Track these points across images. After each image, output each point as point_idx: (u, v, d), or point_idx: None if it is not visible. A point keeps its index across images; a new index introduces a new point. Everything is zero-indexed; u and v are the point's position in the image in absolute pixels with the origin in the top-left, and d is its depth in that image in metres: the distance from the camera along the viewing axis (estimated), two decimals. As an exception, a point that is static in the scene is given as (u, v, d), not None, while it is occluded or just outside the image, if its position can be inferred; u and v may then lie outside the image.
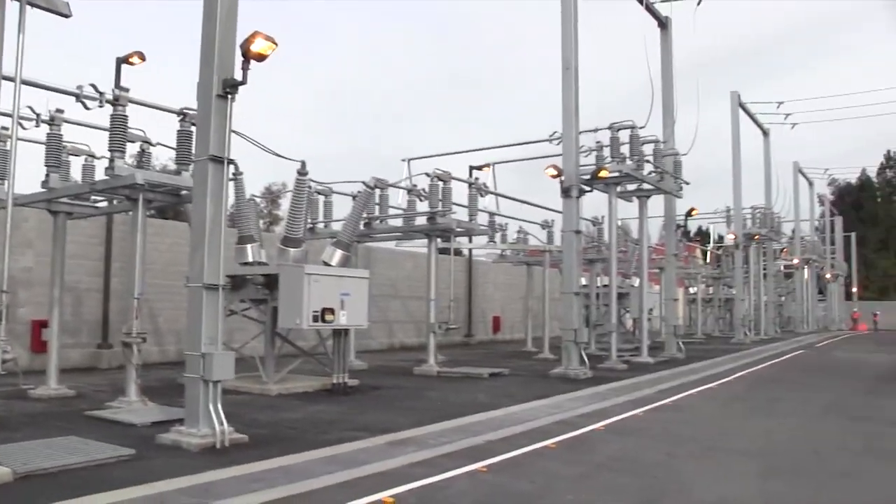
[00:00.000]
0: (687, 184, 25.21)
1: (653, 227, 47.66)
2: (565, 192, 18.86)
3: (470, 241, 26.29)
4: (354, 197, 18.21)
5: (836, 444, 10.23)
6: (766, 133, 48.69)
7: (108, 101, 12.04)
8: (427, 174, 19.53)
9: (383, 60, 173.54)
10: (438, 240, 20.13)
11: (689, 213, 28.36)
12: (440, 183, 19.18)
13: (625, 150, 21.26)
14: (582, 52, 19.27)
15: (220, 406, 9.01)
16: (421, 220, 19.76)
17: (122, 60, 16.64)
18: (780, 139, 49.30)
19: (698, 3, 27.00)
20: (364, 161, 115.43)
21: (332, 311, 13.63)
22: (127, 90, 12.20)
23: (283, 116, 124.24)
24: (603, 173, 19.99)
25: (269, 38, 9.28)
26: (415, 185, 20.66)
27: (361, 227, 18.95)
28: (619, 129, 21.20)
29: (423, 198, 19.98)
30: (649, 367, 21.10)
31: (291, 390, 14.39)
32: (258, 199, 22.77)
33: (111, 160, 11.95)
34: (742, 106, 42.35)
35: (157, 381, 15.07)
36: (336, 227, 20.22)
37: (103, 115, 12.30)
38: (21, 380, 12.47)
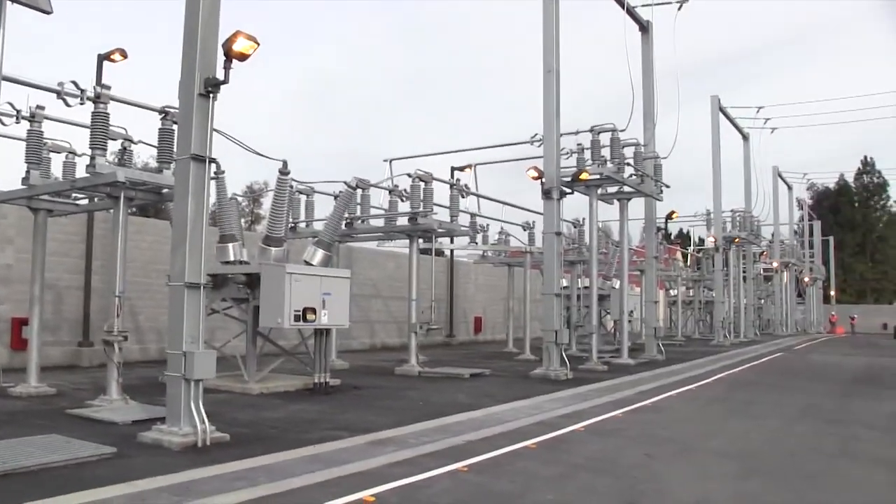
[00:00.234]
0: (667, 187, 25.40)
1: (633, 230, 48.04)
2: (546, 194, 18.95)
3: (451, 241, 26.39)
4: (336, 197, 18.22)
5: (811, 446, 10.34)
6: (745, 137, 49.10)
7: (89, 99, 11.95)
8: (409, 175, 19.58)
9: (366, 60, 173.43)
10: (420, 240, 20.18)
11: (669, 216, 28.56)
12: (422, 183, 19.23)
13: (606, 152, 21.39)
14: (564, 55, 19.38)
15: (201, 405, 9.00)
16: (403, 221, 19.80)
17: (104, 57, 16.60)
18: (760, 144, 49.70)
19: (679, 8, 27.20)
20: (346, 161, 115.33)
21: (313, 310, 13.64)
22: (108, 87, 12.15)
23: (264, 115, 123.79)
24: (584, 176, 20.11)
25: (250, 38, 9.29)
26: (396, 186, 20.70)
27: (343, 226, 18.97)
28: (599, 132, 21.35)
29: (404, 198, 20.03)
30: (630, 368, 21.22)
31: (273, 389, 14.38)
32: (240, 198, 22.70)
33: (92, 157, 11.91)
34: (722, 110, 42.66)
35: (138, 380, 15.01)
36: (318, 226, 20.23)
37: (84, 113, 12.25)
38: (1, 378, 12.42)
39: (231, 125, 10.85)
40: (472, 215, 25.46)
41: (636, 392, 15.81)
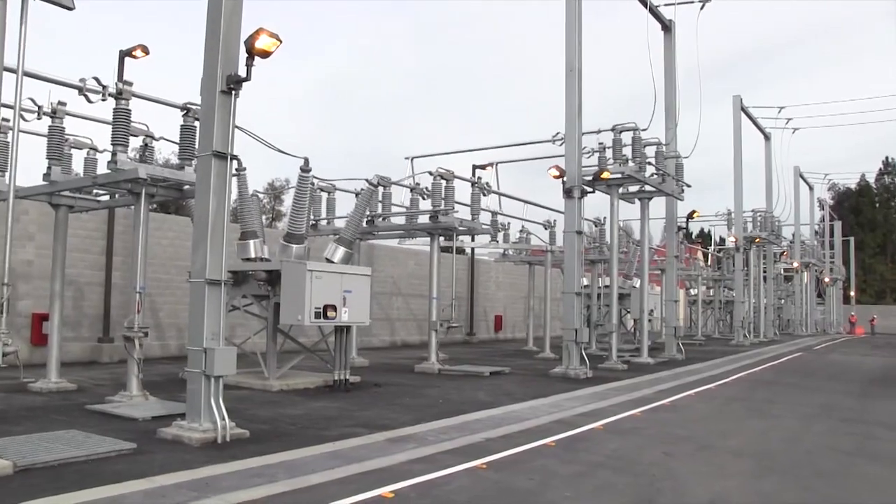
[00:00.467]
0: (688, 186, 25.25)
1: (654, 229, 47.84)
2: (567, 193, 18.89)
3: (472, 239, 26.35)
4: (357, 194, 18.23)
5: (828, 445, 10.26)
6: (767, 137, 48.75)
7: (111, 95, 12.01)
8: (430, 173, 19.56)
9: (386, 58, 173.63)
10: (441, 238, 20.17)
11: (690, 216, 28.40)
12: (443, 181, 19.20)
13: (627, 151, 21.28)
14: (586, 54, 19.30)
15: (221, 401, 9.04)
16: (424, 219, 19.78)
17: (126, 54, 16.65)
18: (781, 143, 49.33)
19: (702, 7, 26.99)
20: (367, 159, 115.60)
21: (333, 307, 13.65)
22: (130, 84, 12.20)
23: (286, 113, 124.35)
24: (605, 175, 20.02)
25: (273, 35, 9.31)
26: (418, 184, 20.70)
27: (364, 224, 18.96)
28: (621, 131, 21.25)
29: (426, 196, 20.02)
30: (649, 367, 21.13)
31: (293, 386, 14.42)
32: (261, 195, 22.76)
33: (114, 154, 11.97)
34: (744, 110, 42.36)
35: (158, 376, 15.11)
36: (339, 224, 20.27)
37: (106, 109, 12.32)
38: (21, 373, 12.52)
39: (252, 122, 10.91)
40: (494, 213, 25.41)
41: (655, 391, 15.73)
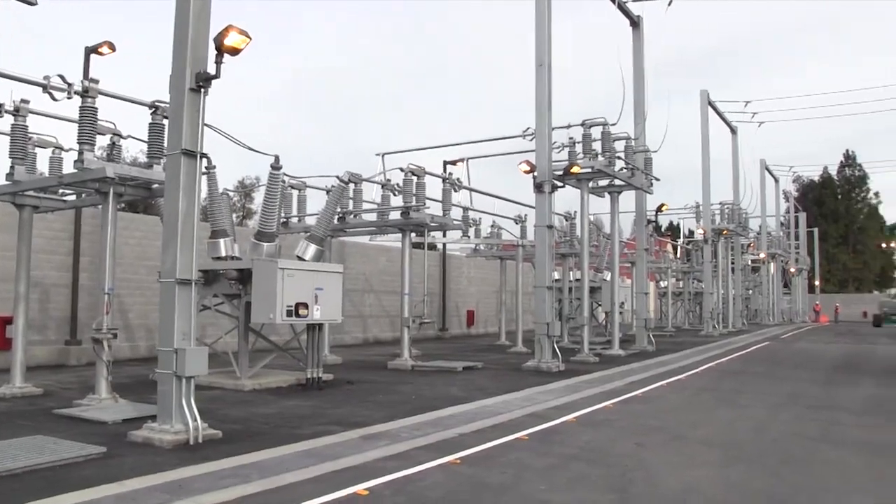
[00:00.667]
0: (657, 180, 25.47)
1: (624, 222, 47.88)
2: (538, 188, 18.98)
3: (444, 235, 26.43)
4: (328, 191, 18.16)
5: (794, 432, 10.44)
6: (734, 131, 49.29)
7: (76, 93, 11.82)
8: (401, 169, 19.53)
9: (358, 55, 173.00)
10: (412, 234, 20.17)
11: (659, 209, 28.69)
12: (414, 178, 19.18)
13: (597, 146, 21.39)
14: (556, 49, 19.40)
15: (193, 402, 8.97)
16: (395, 215, 19.74)
17: (92, 50, 16.48)
18: (748, 137, 49.97)
19: (669, 3, 27.19)
20: (338, 156, 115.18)
21: (305, 305, 13.61)
22: (97, 81, 12.03)
23: (256, 111, 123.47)
24: (575, 169, 20.13)
25: (242, 32, 9.22)
26: (389, 180, 20.64)
27: (335, 221, 18.89)
28: (591, 126, 21.34)
29: (397, 192, 19.97)
30: (620, 359, 21.30)
31: (265, 385, 14.35)
32: (231, 193, 22.61)
33: (80, 153, 11.77)
34: (711, 104, 42.76)
35: (127, 378, 14.95)
36: (310, 221, 20.19)
37: (72, 107, 12.13)
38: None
39: (223, 120, 10.80)
40: (465, 209, 25.45)
41: (627, 383, 15.87)
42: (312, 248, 15.30)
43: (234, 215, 44.36)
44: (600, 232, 32.96)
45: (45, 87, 11.72)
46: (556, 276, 25.19)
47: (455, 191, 21.75)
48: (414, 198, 19.11)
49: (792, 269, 67.18)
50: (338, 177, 17.51)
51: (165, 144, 10.23)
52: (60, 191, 13.81)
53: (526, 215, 27.61)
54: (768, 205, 62.23)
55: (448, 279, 34.77)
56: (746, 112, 48.31)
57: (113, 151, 12.88)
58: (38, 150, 13.48)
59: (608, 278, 25.56)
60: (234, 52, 9.29)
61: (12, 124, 12.76)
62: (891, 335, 42.55)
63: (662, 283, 47.01)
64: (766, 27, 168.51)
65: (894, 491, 7.26)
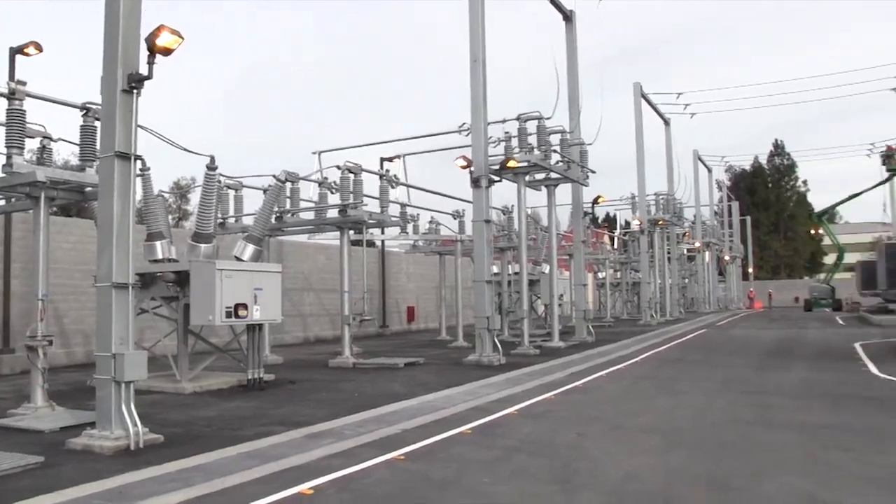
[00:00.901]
0: (593, 172, 25.80)
1: (561, 215, 48.79)
2: (475, 183, 19.14)
3: (382, 232, 26.41)
4: (265, 191, 18.03)
5: (730, 417, 10.78)
6: (667, 123, 50.29)
7: (2, 95, 11.56)
8: (338, 167, 19.50)
9: (294, 56, 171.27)
10: (351, 232, 20.14)
11: (595, 201, 29.12)
12: (351, 175, 19.16)
13: (533, 140, 21.59)
14: (492, 44, 19.62)
15: (133, 407, 8.86)
16: (333, 213, 19.69)
17: (17, 51, 16.03)
18: (681, 129, 51.19)
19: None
20: (276, 156, 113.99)
21: (245, 306, 13.53)
22: (24, 83, 11.76)
23: (190, 110, 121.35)
24: (511, 163, 20.31)
25: (174, 32, 9.14)
26: (326, 178, 20.57)
27: (273, 220, 18.77)
28: (526, 120, 21.53)
29: (334, 190, 19.93)
30: (561, 351, 21.58)
31: (206, 388, 14.22)
32: (166, 195, 22.25)
33: (9, 157, 11.47)
34: (644, 97, 43.53)
35: (64, 385, 14.65)
36: (247, 221, 20.00)
37: (-3, 110, 11.82)
38: None
39: (158, 121, 10.65)
40: (403, 205, 25.50)
41: (567, 374, 16.14)
42: (250, 249, 15.20)
43: (171, 217, 43.57)
44: (538, 225, 33.34)
45: (-32, 91, 11.41)
46: (496, 269, 25.42)
47: (392, 187, 21.80)
48: (351, 195, 19.09)
49: (726, 258, 69.00)
50: (274, 176, 17.42)
51: (98, 147, 10.07)
52: (-12, 196, 13.44)
53: (464, 210, 27.81)
54: (702, 194, 63.84)
55: (388, 276, 34.78)
56: (679, 104, 49.49)
57: (43, 155, 12.56)
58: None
59: (547, 271, 25.89)
60: (167, 52, 9.20)
61: (-66, 129, 12.37)
62: (820, 319, 44.11)
63: (600, 275, 47.75)
64: (699, 19, 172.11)
65: (826, 470, 7.57)
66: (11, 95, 11.54)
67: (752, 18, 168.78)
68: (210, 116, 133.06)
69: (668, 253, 46.98)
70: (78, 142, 12.24)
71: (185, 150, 12.33)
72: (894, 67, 42.09)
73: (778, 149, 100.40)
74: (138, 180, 11.63)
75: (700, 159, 64.11)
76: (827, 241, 72.07)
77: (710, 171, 69.24)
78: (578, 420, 10.66)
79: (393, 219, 22.12)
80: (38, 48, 15.94)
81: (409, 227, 27.25)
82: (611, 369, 17.20)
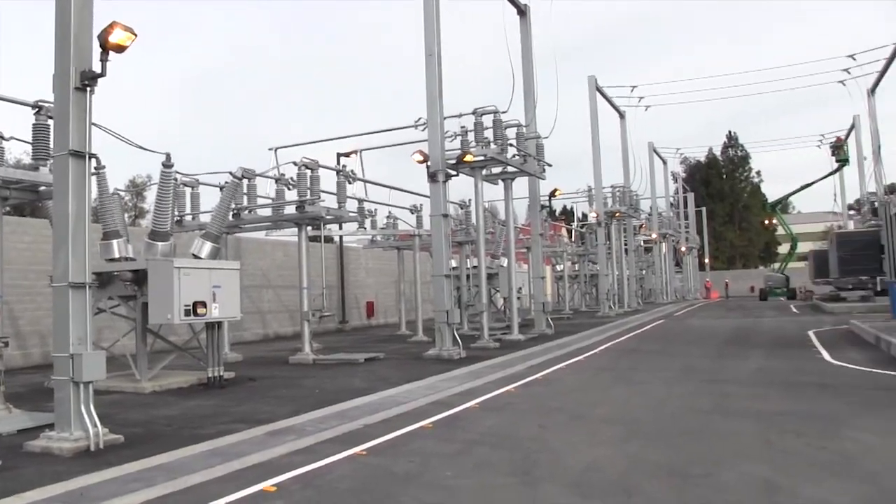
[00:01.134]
0: (550, 165, 26.04)
1: (519, 208, 48.88)
2: (432, 177, 19.22)
3: (340, 228, 26.35)
4: (222, 188, 17.92)
5: (689, 406, 10.97)
6: (622, 115, 50.80)
7: (-49, 94, 11.38)
8: (295, 163, 19.43)
9: (250, 52, 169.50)
10: (308, 228, 20.10)
11: (552, 194, 29.34)
12: (308, 171, 19.11)
13: (489, 134, 21.68)
14: (447, 39, 19.67)
15: (92, 407, 8.80)
16: (290, 209, 19.65)
17: (-36, 49, 15.68)
18: (636, 121, 51.73)
19: (554, -9, 27.82)
20: (233, 153, 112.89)
21: (203, 304, 13.46)
22: (-27, 82, 11.56)
23: (149, 109, 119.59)
24: (468, 157, 20.41)
25: (127, 29, 9.05)
26: (283, 175, 20.50)
27: (230, 218, 18.65)
28: (482, 114, 21.58)
29: (291, 186, 19.87)
30: (520, 344, 21.75)
31: (166, 387, 14.12)
32: (122, 193, 21.96)
33: (-41, 157, 11.33)
34: (599, 90, 43.94)
35: (21, 387, 14.44)
36: (204, 219, 19.84)
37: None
38: None
39: (114, 120, 10.55)
40: (360, 201, 25.46)
41: (527, 366, 16.30)
42: (208, 246, 15.11)
43: (127, 215, 42.98)
44: (495, 219, 33.56)
45: (-84, 89, 11.19)
46: (454, 263, 25.57)
47: (350, 183, 21.77)
48: (308, 191, 19.05)
49: (683, 248, 70.01)
50: (231, 173, 17.31)
51: (52, 145, 9.94)
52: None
53: (421, 205, 27.85)
54: (658, 186, 64.60)
55: (346, 271, 34.74)
56: (633, 97, 50.05)
57: (-6, 154, 12.39)
58: None
59: (505, 264, 26.05)
60: (120, 49, 9.10)
61: None
62: (776, 307, 45.00)
63: (558, 267, 48.14)
64: (653, 12, 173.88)
65: (782, 456, 7.75)
66: (-40, 94, 11.35)
67: (706, 10, 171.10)
68: (167, 115, 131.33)
69: (626, 245, 47.52)
70: (31, 140, 12.06)
71: (141, 147, 12.21)
72: (843, 60, 42.91)
73: (732, 140, 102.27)
74: (93, 179, 11.56)
75: (655, 151, 64.88)
76: (781, 230, 73.45)
77: (665, 162, 70.11)
78: (539, 412, 10.79)
79: (351, 214, 22.11)
80: (-13, 45, 15.62)
81: (367, 223, 27.26)
82: (570, 361, 17.40)
